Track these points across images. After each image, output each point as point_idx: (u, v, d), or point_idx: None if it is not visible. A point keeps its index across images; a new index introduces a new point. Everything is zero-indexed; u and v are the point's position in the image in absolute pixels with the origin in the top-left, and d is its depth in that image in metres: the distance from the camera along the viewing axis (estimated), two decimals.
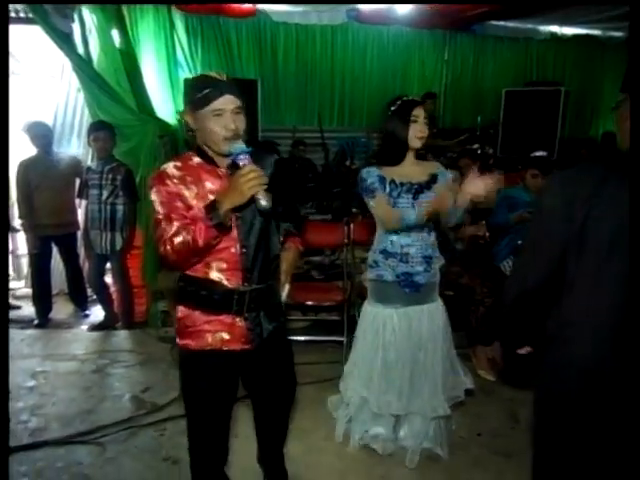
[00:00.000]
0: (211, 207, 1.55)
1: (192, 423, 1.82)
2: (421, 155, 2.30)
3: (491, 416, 2.78)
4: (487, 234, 3.38)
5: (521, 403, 2.81)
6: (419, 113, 2.16)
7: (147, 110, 4.51)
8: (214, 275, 1.68)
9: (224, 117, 1.59)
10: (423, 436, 2.36)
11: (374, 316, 2.33)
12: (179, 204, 1.64)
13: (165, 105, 5.47)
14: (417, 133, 2.16)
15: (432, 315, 2.31)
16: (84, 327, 4.04)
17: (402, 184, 2.19)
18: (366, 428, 2.44)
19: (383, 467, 2.37)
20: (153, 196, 1.67)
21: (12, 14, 4.29)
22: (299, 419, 2.60)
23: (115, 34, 4.74)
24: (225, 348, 1.71)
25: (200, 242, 1.55)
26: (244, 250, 1.69)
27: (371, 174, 2.21)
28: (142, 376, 3.17)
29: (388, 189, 2.19)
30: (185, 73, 6.28)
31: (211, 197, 1.61)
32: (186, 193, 1.65)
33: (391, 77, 7.00)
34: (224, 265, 1.68)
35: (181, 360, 1.80)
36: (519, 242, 3.44)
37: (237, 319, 1.71)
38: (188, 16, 6.18)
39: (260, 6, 6.03)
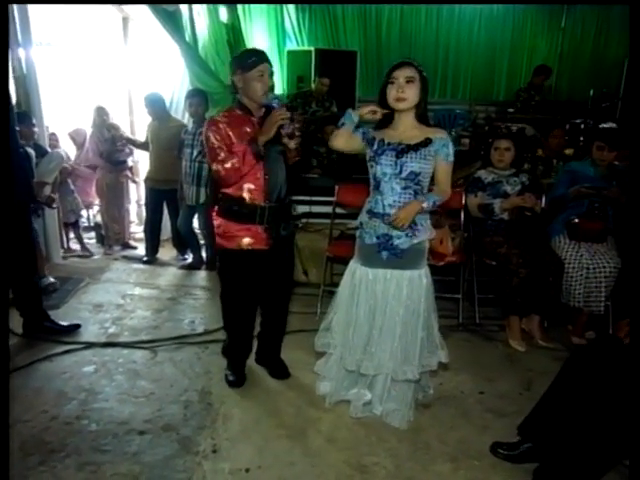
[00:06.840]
0: (252, 140, 2.22)
1: (225, 299, 2.59)
2: (424, 119, 2.22)
3: (503, 380, 2.81)
4: (538, 207, 3.32)
5: (541, 374, 2.78)
6: (399, 74, 2.11)
7: None
8: (244, 195, 2.33)
9: (264, 78, 2.25)
10: (387, 396, 2.38)
11: (354, 273, 2.35)
12: (227, 141, 2.26)
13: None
14: (394, 94, 2.13)
15: (412, 282, 2.25)
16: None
17: (389, 144, 2.19)
18: (343, 386, 2.50)
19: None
20: (209, 134, 2.27)
21: None
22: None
23: (222, 11, 5.30)
24: (250, 248, 2.39)
25: (243, 166, 2.22)
26: (266, 177, 2.33)
27: (361, 130, 2.28)
28: (205, 308, 3.69)
29: (376, 146, 2.22)
30: (292, 44, 6.73)
31: (247, 137, 2.25)
32: (231, 134, 2.27)
33: (499, 48, 6.75)
34: (252, 187, 2.32)
35: (219, 255, 2.52)
36: (575, 220, 3.33)
37: (259, 227, 2.36)
38: None
39: None
